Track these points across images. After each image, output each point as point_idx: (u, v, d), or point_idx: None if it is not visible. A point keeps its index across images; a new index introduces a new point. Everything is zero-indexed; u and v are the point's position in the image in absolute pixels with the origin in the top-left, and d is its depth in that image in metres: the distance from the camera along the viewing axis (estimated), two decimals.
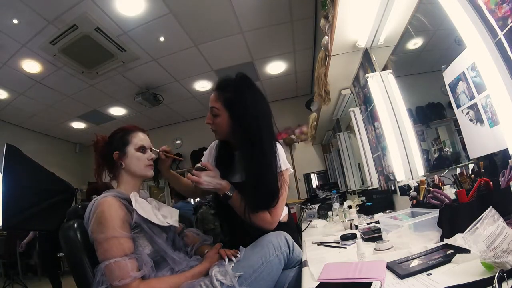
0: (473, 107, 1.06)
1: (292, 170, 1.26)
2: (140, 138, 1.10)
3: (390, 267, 0.69)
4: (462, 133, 1.18)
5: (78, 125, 5.64)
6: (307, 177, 5.55)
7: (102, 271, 0.84)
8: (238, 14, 3.21)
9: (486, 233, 0.51)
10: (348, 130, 3.43)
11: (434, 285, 0.54)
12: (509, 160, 0.83)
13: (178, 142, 6.28)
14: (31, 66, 3.61)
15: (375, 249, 0.89)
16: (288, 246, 1.02)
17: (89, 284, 0.87)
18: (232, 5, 3.06)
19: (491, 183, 0.81)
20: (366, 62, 1.92)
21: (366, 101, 2.13)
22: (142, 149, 1.08)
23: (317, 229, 1.82)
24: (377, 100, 1.73)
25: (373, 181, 2.40)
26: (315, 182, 5.53)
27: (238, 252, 1.00)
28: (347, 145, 3.52)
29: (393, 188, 1.95)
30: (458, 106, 1.15)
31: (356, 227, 1.48)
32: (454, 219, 0.81)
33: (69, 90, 4.34)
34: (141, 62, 3.89)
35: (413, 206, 1.23)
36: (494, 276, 0.46)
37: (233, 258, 0.97)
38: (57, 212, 2.33)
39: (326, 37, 1.88)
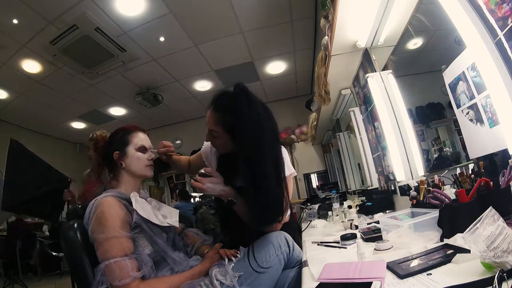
0: (473, 107, 1.06)
1: (296, 173, 1.22)
2: (140, 138, 1.10)
3: (390, 267, 0.69)
4: (462, 133, 1.18)
5: (78, 125, 5.64)
6: (307, 177, 5.55)
7: (102, 271, 0.84)
8: (238, 14, 3.21)
9: (486, 233, 0.51)
10: (348, 130, 3.43)
11: (434, 285, 0.54)
12: (509, 160, 0.83)
13: (178, 142, 6.28)
14: (31, 66, 3.61)
15: (375, 249, 0.89)
16: (288, 246, 1.02)
17: (89, 284, 0.87)
18: (232, 5, 3.06)
19: (491, 183, 0.81)
20: (366, 62, 1.92)
21: (366, 101, 2.13)
22: (142, 149, 1.08)
23: (317, 229, 1.82)
24: (377, 100, 1.73)
25: (373, 181, 2.40)
26: (315, 182, 5.53)
27: (238, 252, 1.00)
28: (347, 145, 3.52)
29: (393, 188, 1.95)
30: (458, 106, 1.15)
31: (356, 227, 1.48)
32: (454, 219, 0.81)
33: (69, 90, 4.33)
34: (141, 62, 3.89)
35: (413, 206, 1.23)
36: (494, 276, 0.46)
37: (233, 258, 0.97)
38: (51, 200, 2.56)
39: (326, 37, 1.88)
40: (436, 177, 1.13)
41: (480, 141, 1.06)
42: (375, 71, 1.76)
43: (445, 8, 0.87)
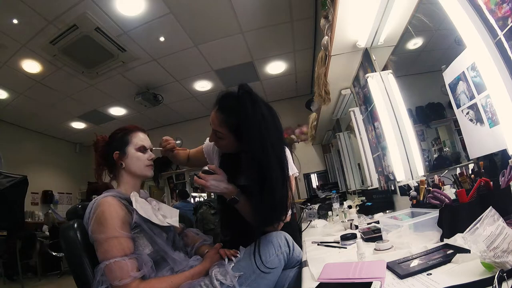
0: (473, 107, 1.06)
1: (298, 173, 1.22)
2: (140, 138, 1.10)
3: (390, 267, 0.69)
4: (462, 133, 1.18)
5: (78, 125, 5.64)
6: (307, 177, 5.56)
7: (102, 271, 0.84)
8: (238, 14, 3.21)
9: (486, 233, 0.51)
10: (348, 130, 3.43)
11: (434, 285, 0.54)
12: (509, 160, 0.83)
13: (178, 142, 6.24)
14: (31, 66, 3.61)
15: (375, 249, 0.89)
16: (288, 246, 1.02)
17: (89, 284, 0.87)
18: (232, 5, 3.06)
19: (491, 183, 0.81)
20: (366, 62, 1.92)
21: (366, 101, 2.13)
22: (142, 149, 1.08)
23: (317, 229, 1.82)
24: (377, 100, 1.73)
25: (373, 181, 2.40)
26: (315, 182, 5.53)
27: (238, 252, 1.00)
28: (347, 145, 3.52)
29: (393, 188, 1.95)
30: (458, 106, 1.15)
31: (356, 227, 1.48)
32: (454, 219, 0.80)
33: (69, 90, 4.34)
34: (141, 62, 3.89)
35: (413, 206, 1.23)
36: (494, 276, 0.46)
37: (233, 258, 0.97)
38: None
39: (326, 37, 1.88)
40: (436, 177, 1.13)
41: (480, 141, 1.06)
42: (375, 71, 1.76)
43: (445, 8, 0.87)
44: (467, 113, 1.10)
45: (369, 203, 2.00)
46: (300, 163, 5.33)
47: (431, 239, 0.84)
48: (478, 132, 1.05)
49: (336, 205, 2.16)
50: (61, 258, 4.41)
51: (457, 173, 0.98)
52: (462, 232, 0.57)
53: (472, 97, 1.05)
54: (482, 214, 0.54)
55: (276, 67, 4.59)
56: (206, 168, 1.07)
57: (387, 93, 1.68)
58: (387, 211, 1.81)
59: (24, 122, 5.22)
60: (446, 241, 0.78)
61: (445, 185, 1.12)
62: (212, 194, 4.23)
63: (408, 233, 0.89)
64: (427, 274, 0.61)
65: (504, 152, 0.90)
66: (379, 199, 2.01)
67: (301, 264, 1.01)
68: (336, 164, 4.52)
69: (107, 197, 0.93)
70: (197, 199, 5.66)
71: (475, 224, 0.53)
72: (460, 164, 1.31)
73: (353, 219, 1.63)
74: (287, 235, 1.04)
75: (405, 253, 0.77)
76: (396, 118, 1.63)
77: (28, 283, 4.04)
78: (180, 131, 6.34)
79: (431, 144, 1.62)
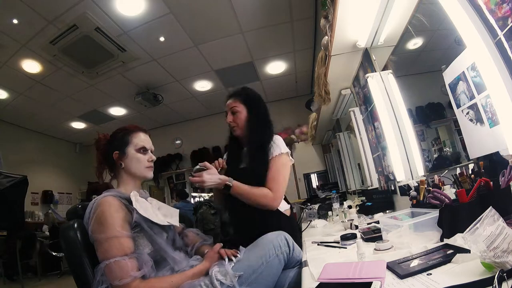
0: (473, 107, 1.06)
1: (293, 160, 1.42)
2: (141, 139, 1.09)
3: (390, 267, 0.69)
4: (462, 133, 1.18)
5: (78, 125, 5.64)
6: (307, 177, 5.55)
7: (102, 270, 0.84)
8: (238, 14, 3.21)
9: (486, 233, 0.51)
10: (348, 130, 3.43)
11: (434, 285, 0.54)
12: (509, 160, 0.83)
13: (178, 142, 6.28)
14: (31, 66, 3.61)
15: (375, 249, 0.89)
16: (288, 246, 1.02)
17: (89, 284, 0.87)
18: (232, 5, 3.06)
19: (491, 183, 0.81)
20: (366, 62, 1.92)
21: (366, 101, 2.13)
22: (142, 150, 1.08)
23: (317, 229, 1.82)
24: (377, 100, 1.73)
25: (373, 181, 2.40)
26: (315, 182, 5.53)
27: (238, 252, 1.00)
28: (347, 145, 3.52)
29: (393, 188, 1.95)
30: (458, 106, 1.15)
31: (356, 227, 1.48)
32: (454, 219, 0.80)
33: (69, 90, 4.34)
34: (141, 62, 3.89)
35: (413, 206, 1.23)
36: (494, 276, 0.46)
37: (233, 258, 0.97)
38: None
39: (326, 37, 1.88)
40: (436, 177, 1.13)
41: (480, 141, 1.06)
42: (375, 71, 1.76)
43: (445, 8, 0.87)
44: (467, 113, 1.10)
45: (369, 203, 2.00)
46: (294, 164, 5.34)
47: (431, 239, 0.84)
48: (478, 132, 1.05)
49: (336, 205, 2.16)
50: (61, 258, 4.41)
51: (457, 173, 0.98)
52: (462, 232, 0.57)
53: (472, 97, 1.05)
54: (482, 214, 0.54)
55: (276, 67, 4.59)
56: (197, 166, 1.19)
57: (387, 93, 1.68)
58: (387, 211, 1.81)
59: (24, 122, 5.22)
60: (446, 241, 0.78)
61: (445, 185, 1.12)
62: (212, 194, 4.24)
63: (408, 233, 0.89)
64: (427, 274, 0.61)
65: (504, 152, 0.90)
66: (379, 199, 2.01)
67: (301, 264, 1.01)
68: (336, 164, 4.52)
69: (107, 197, 0.93)
70: (197, 199, 5.66)
71: (475, 224, 0.53)
72: (460, 164, 1.31)
73: (353, 219, 1.63)
74: (287, 235, 1.04)
75: (405, 253, 0.77)
76: (396, 118, 1.63)
77: (28, 283, 4.04)
78: (180, 131, 6.34)
79: (431, 144, 1.62)
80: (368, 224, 1.42)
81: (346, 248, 1.09)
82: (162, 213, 1.06)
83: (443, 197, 0.85)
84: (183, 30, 3.36)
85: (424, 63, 1.67)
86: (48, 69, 3.72)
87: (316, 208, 2.43)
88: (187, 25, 3.30)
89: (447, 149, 1.51)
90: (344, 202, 2.70)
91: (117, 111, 5.30)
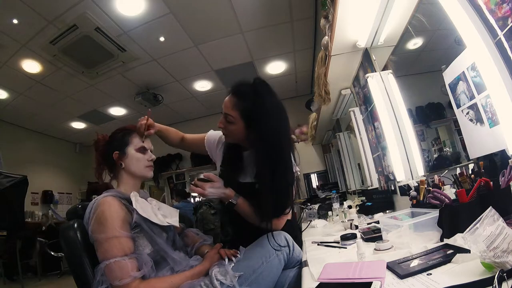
0: (473, 107, 1.06)
1: (299, 171, 1.25)
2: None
3: (390, 267, 0.69)
4: (462, 133, 1.18)
5: (78, 125, 5.64)
6: (307, 177, 5.55)
7: (102, 271, 0.84)
8: (238, 14, 3.21)
9: (486, 233, 0.51)
10: (348, 130, 3.43)
11: (434, 285, 0.54)
12: (509, 160, 0.83)
13: None
14: (31, 66, 3.61)
15: (375, 249, 0.89)
16: (288, 246, 1.02)
17: (89, 284, 0.87)
18: (232, 5, 3.06)
19: (491, 183, 0.81)
20: (366, 62, 1.92)
21: (366, 101, 2.13)
22: (142, 149, 1.08)
23: (317, 229, 1.82)
24: (377, 100, 1.73)
25: (373, 181, 2.40)
26: (315, 182, 5.53)
27: (238, 252, 1.00)
28: (347, 145, 3.52)
29: (393, 188, 1.95)
30: (458, 106, 1.15)
31: (356, 227, 1.48)
32: (454, 219, 0.80)
33: (69, 90, 4.34)
34: (141, 62, 3.89)
35: (413, 206, 1.23)
36: (494, 276, 0.46)
37: (233, 258, 0.97)
38: None
39: (326, 37, 1.88)
40: (436, 177, 1.13)
41: (480, 141, 1.06)
42: (375, 71, 1.76)
43: (445, 8, 0.87)
44: (467, 113, 1.10)
45: (369, 203, 2.00)
46: (300, 161, 5.34)
47: (431, 239, 0.84)
48: (478, 132, 1.05)
49: (336, 205, 2.16)
50: (61, 258, 4.41)
51: (457, 173, 0.98)
52: (462, 232, 0.57)
53: (472, 97, 1.05)
54: (482, 214, 0.54)
55: (276, 67, 4.59)
56: (201, 176, 1.08)
57: (387, 93, 1.68)
58: (387, 211, 1.81)
59: (24, 122, 5.22)
60: (446, 241, 0.78)
61: (445, 185, 1.12)
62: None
63: (408, 233, 0.89)
64: (427, 274, 0.61)
65: (504, 152, 0.90)
66: (379, 199, 2.01)
67: (301, 264, 1.02)
68: (336, 164, 4.52)
69: (107, 197, 0.93)
70: (197, 199, 5.65)
71: (475, 224, 0.53)
72: (460, 164, 1.31)
73: (353, 219, 1.63)
74: (287, 235, 1.04)
75: (405, 253, 0.77)
76: (396, 118, 1.63)
77: (28, 283, 4.04)
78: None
79: (431, 144, 1.62)
80: (368, 224, 1.42)
81: (346, 248, 1.09)
82: (162, 213, 1.06)
83: (443, 197, 0.86)
84: (183, 30, 3.36)
85: (424, 63, 1.67)
86: (48, 69, 3.72)
87: (316, 208, 2.44)
88: (187, 25, 3.30)
89: (447, 149, 1.51)
90: (344, 202, 2.71)
91: (117, 111, 5.30)
